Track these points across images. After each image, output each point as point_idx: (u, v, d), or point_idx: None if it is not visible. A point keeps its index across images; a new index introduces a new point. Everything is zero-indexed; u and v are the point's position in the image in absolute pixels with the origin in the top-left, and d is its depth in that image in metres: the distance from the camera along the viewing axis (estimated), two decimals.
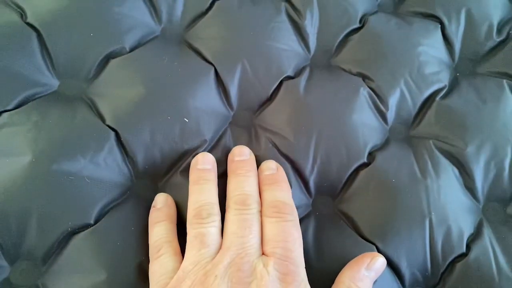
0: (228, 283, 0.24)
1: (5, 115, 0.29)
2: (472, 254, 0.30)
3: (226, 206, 0.28)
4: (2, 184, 0.27)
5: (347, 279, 0.27)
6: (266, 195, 0.29)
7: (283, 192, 0.29)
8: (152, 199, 0.30)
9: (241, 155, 0.31)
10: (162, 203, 0.29)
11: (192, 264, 0.25)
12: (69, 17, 0.33)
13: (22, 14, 0.33)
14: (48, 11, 0.33)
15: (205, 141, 0.31)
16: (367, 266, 0.27)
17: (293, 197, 0.30)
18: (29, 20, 0.33)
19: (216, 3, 0.36)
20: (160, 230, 0.28)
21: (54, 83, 0.32)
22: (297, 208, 0.30)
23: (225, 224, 0.27)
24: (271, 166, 0.31)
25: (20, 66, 0.31)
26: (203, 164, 0.30)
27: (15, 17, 0.33)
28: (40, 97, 0.31)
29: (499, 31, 0.38)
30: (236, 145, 0.32)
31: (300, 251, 0.27)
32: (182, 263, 0.26)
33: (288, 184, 0.30)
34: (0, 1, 0.33)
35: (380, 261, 0.28)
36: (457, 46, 0.37)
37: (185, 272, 0.25)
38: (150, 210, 0.29)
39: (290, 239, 0.27)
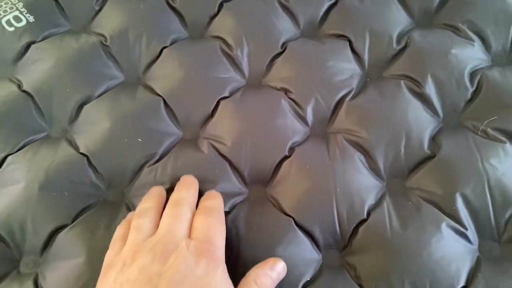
0: (152, 254, 0.29)
1: (10, 157, 0.41)
2: (371, 219, 0.37)
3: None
4: (7, 204, 0.39)
5: (253, 275, 0.32)
6: (200, 205, 0.36)
7: (214, 200, 0.36)
8: (118, 203, 0.40)
9: (185, 179, 0.38)
10: (131, 217, 0.36)
11: (128, 245, 0.32)
12: (51, 81, 0.45)
13: (19, 84, 0.45)
14: (37, 80, 0.45)
15: (156, 154, 0.41)
16: (270, 267, 0.33)
17: (232, 188, 0.39)
18: (24, 88, 0.45)
19: (164, 50, 0.47)
20: (120, 231, 0.36)
21: (46, 129, 0.44)
22: (236, 195, 0.39)
23: (161, 217, 0.34)
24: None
25: (23, 122, 0.43)
26: (156, 189, 0.38)
27: (13, 87, 0.45)
28: (35, 141, 0.43)
29: (398, 41, 0.46)
30: (184, 155, 0.41)
31: (220, 239, 0.32)
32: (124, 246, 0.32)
33: (221, 199, 0.37)
34: (4, 77, 0.46)
35: (281, 264, 0.34)
36: (365, 57, 0.46)
37: (122, 252, 0.31)
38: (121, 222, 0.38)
39: (212, 228, 0.32)
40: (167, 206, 0.35)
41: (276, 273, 0.33)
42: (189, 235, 0.32)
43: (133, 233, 0.33)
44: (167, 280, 0.27)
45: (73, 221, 0.38)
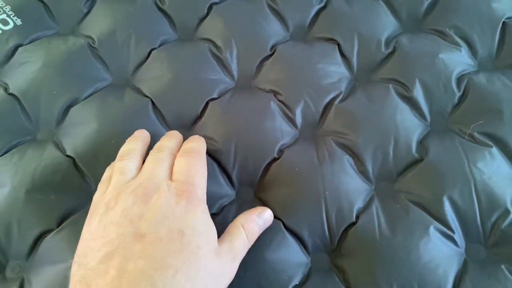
0: (133, 197, 0.29)
1: None
2: (360, 222, 0.37)
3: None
4: None
5: (241, 220, 0.34)
6: (181, 147, 0.36)
7: (195, 142, 0.37)
8: None
9: (171, 132, 0.39)
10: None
11: (111, 187, 0.32)
12: (38, 83, 0.44)
13: (6, 87, 0.44)
14: (24, 83, 0.44)
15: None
16: (258, 214, 0.35)
17: (220, 189, 0.39)
18: (11, 91, 0.44)
19: (153, 52, 0.46)
20: (107, 173, 0.36)
21: (33, 132, 0.43)
22: (224, 197, 0.39)
23: (143, 165, 0.34)
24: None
25: (9, 125, 0.43)
26: (137, 133, 0.39)
27: (0, 90, 0.44)
28: (22, 144, 0.42)
29: (387, 45, 0.46)
30: None
31: (201, 180, 0.33)
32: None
33: (204, 142, 0.38)
34: None
35: (268, 213, 0.36)
36: (354, 61, 0.46)
37: (107, 193, 0.32)
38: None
39: (193, 169, 0.33)
40: (150, 152, 0.36)
41: (263, 220, 0.35)
42: (171, 178, 0.32)
43: (116, 175, 0.33)
44: (148, 221, 0.28)
45: (59, 225, 0.38)
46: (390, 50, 0.46)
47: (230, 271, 0.31)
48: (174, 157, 0.35)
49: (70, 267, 0.34)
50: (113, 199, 0.30)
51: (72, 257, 0.35)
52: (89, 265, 0.27)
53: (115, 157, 0.39)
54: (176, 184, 0.31)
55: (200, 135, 0.41)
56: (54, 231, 0.37)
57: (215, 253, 0.30)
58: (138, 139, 0.37)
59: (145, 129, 0.41)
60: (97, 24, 0.48)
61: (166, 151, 0.35)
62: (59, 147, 0.41)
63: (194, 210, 0.30)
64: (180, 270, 0.27)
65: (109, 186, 0.33)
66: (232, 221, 0.37)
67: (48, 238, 0.37)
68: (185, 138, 0.40)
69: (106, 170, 0.37)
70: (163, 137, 0.38)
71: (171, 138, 0.37)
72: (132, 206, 0.29)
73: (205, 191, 0.33)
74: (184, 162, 0.34)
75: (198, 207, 0.30)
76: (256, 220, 0.34)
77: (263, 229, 0.35)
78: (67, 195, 0.39)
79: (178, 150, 0.36)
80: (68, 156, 0.41)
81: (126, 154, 0.35)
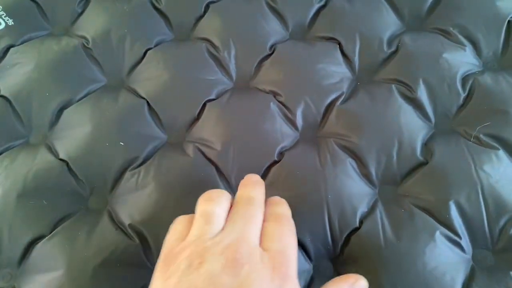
0: (223, 260, 0.25)
1: None
2: (364, 228, 0.36)
3: (233, 205, 0.31)
4: None
5: None
6: (268, 210, 0.31)
7: (282, 207, 0.32)
8: (100, 211, 0.38)
9: (251, 177, 0.34)
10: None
11: (194, 236, 0.27)
12: (31, 85, 0.43)
13: None
14: (15, 84, 0.43)
15: (139, 157, 0.39)
16: (351, 285, 0.29)
17: None
18: (2, 93, 0.43)
19: (149, 52, 0.45)
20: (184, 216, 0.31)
21: (24, 135, 0.42)
22: None
23: (230, 214, 0.30)
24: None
25: (0, 128, 0.41)
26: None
27: None
28: (13, 147, 0.41)
29: (389, 44, 0.45)
30: (169, 158, 0.40)
31: (294, 253, 0.28)
32: (188, 236, 0.28)
33: (289, 208, 0.33)
34: None
35: (363, 284, 0.30)
36: (356, 60, 0.45)
37: (188, 243, 0.27)
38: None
39: (287, 239, 0.29)
40: (237, 201, 0.31)
41: None
42: (261, 243, 0.28)
43: (201, 223, 0.28)
44: None
45: (51, 231, 0.36)
46: (392, 49, 0.45)
47: None
48: (263, 214, 0.30)
49: (63, 275, 0.33)
50: (197, 256, 0.26)
51: (65, 264, 0.34)
52: None
53: (110, 161, 0.38)
54: (271, 255, 0.27)
55: (197, 137, 0.40)
56: (46, 238, 0.36)
57: None
58: (222, 193, 0.32)
59: (141, 132, 0.40)
60: (91, 24, 0.47)
61: (256, 205, 0.30)
62: (52, 150, 0.40)
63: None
64: None
65: (188, 228, 0.29)
66: None
67: (40, 244, 0.36)
68: (182, 140, 0.39)
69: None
70: (245, 183, 0.33)
71: (256, 187, 0.32)
72: (221, 273, 0.24)
73: (297, 266, 0.28)
74: (276, 229, 0.29)
75: (293, 283, 0.26)
76: None
77: None
78: (60, 200, 0.38)
79: (264, 202, 0.32)
80: (61, 159, 0.39)
81: (214, 197, 0.30)
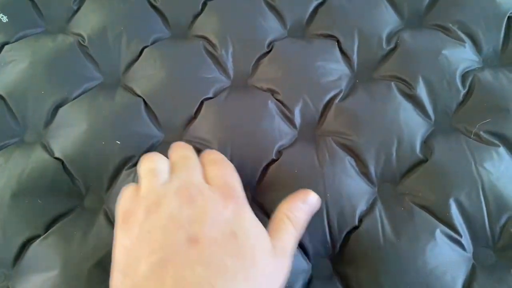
0: (177, 200, 0.27)
1: None
2: (363, 226, 0.35)
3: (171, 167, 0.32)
4: None
5: (283, 211, 0.31)
6: (204, 159, 0.34)
7: (218, 154, 0.35)
8: (96, 210, 0.38)
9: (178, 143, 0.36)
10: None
11: (145, 191, 0.29)
12: (26, 83, 0.43)
13: None
14: (10, 82, 0.43)
15: (135, 156, 0.39)
16: (302, 200, 0.32)
17: None
18: None
19: (145, 50, 0.45)
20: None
21: (19, 134, 0.41)
22: None
23: (171, 170, 0.32)
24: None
25: None
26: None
27: None
28: (8, 146, 0.40)
29: (388, 41, 0.45)
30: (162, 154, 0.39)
31: (239, 185, 0.31)
32: (139, 194, 0.30)
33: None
34: None
35: (314, 197, 0.33)
36: (355, 58, 0.44)
37: (141, 198, 0.29)
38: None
39: (228, 174, 0.32)
40: (173, 162, 0.33)
41: (308, 206, 0.32)
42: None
43: (148, 178, 0.31)
44: (199, 225, 0.26)
45: (46, 231, 0.36)
46: (391, 46, 0.44)
47: (285, 269, 0.29)
48: (195, 155, 0.33)
49: (58, 275, 0.33)
50: (153, 204, 0.28)
51: (60, 264, 0.33)
52: (137, 275, 0.25)
53: (106, 160, 0.37)
54: (218, 187, 0.30)
55: (194, 136, 0.40)
56: (41, 237, 0.36)
57: (270, 253, 0.28)
58: (157, 154, 0.34)
59: (137, 130, 0.40)
60: (87, 22, 0.46)
61: (192, 158, 0.33)
62: (47, 149, 0.39)
63: (243, 213, 0.29)
64: (239, 273, 0.25)
65: (139, 191, 0.30)
66: None
67: (35, 244, 0.35)
68: (179, 138, 0.39)
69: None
70: (175, 148, 0.35)
71: (186, 148, 0.35)
72: (179, 209, 0.27)
73: (245, 194, 0.31)
74: (218, 170, 0.32)
75: (245, 209, 0.29)
76: (302, 207, 0.32)
77: (311, 215, 0.32)
78: (55, 199, 0.38)
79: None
80: (56, 158, 0.39)
81: (151, 159, 0.33)
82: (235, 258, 0.26)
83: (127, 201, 0.30)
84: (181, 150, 0.34)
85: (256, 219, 0.30)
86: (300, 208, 0.32)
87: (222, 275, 0.25)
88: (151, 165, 0.32)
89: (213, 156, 0.34)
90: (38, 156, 0.39)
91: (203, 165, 0.33)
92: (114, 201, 0.36)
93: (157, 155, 0.33)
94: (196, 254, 0.25)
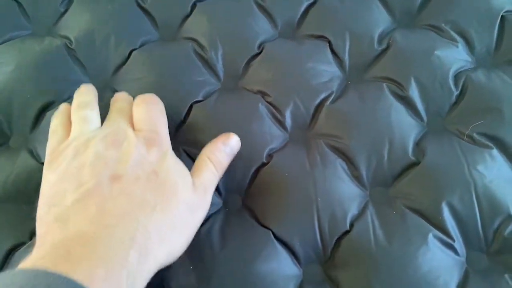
0: (104, 143, 0.31)
1: None
2: (354, 231, 0.35)
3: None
4: None
5: (206, 152, 0.34)
6: (136, 99, 0.36)
7: (150, 94, 0.37)
8: None
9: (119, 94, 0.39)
10: (64, 108, 0.37)
11: (77, 134, 0.32)
12: (11, 86, 0.42)
13: None
14: None
15: None
16: (223, 142, 0.35)
17: None
18: None
19: (133, 53, 0.44)
20: (58, 119, 0.36)
21: (5, 139, 0.41)
22: (210, 206, 0.36)
23: (106, 119, 0.35)
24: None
25: None
26: (84, 86, 0.38)
27: None
28: None
29: (380, 42, 0.44)
30: None
31: (164, 127, 0.34)
32: (69, 137, 0.33)
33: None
34: None
35: (234, 138, 0.35)
36: (346, 59, 0.44)
37: (71, 140, 0.32)
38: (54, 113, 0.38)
39: (154, 117, 0.34)
40: (110, 111, 0.36)
41: (229, 148, 0.35)
42: (134, 128, 0.33)
43: (79, 124, 0.33)
44: (123, 164, 0.29)
45: (31, 238, 0.35)
46: (383, 47, 0.44)
47: (205, 204, 0.32)
48: (131, 106, 0.35)
49: None
50: (82, 145, 0.31)
51: None
52: (63, 204, 0.27)
53: None
54: (143, 134, 0.32)
55: (184, 140, 0.39)
56: (26, 244, 0.35)
57: (190, 188, 0.31)
58: (89, 92, 0.37)
59: None
60: (75, 24, 0.46)
61: (123, 102, 0.36)
62: (33, 154, 0.39)
63: (165, 155, 0.31)
64: (159, 205, 0.28)
65: (67, 133, 0.33)
66: (218, 231, 0.35)
67: (20, 251, 0.35)
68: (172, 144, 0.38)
69: (53, 119, 0.36)
70: (115, 99, 0.38)
71: (125, 100, 0.38)
72: (105, 150, 0.30)
73: (169, 137, 0.34)
74: (144, 111, 0.34)
75: (167, 152, 0.32)
76: (222, 149, 0.34)
77: (233, 156, 0.36)
78: None
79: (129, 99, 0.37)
80: (42, 163, 0.38)
81: (83, 104, 0.35)
82: (155, 192, 0.29)
83: (55, 142, 0.33)
84: (120, 102, 0.37)
85: (179, 161, 0.33)
86: (221, 150, 0.34)
87: (143, 206, 0.28)
88: (83, 112, 0.34)
89: (144, 96, 0.36)
90: (24, 161, 0.38)
91: (133, 105, 0.35)
92: None
93: (89, 94, 0.37)
94: (119, 188, 0.28)
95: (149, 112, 0.34)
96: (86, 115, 0.34)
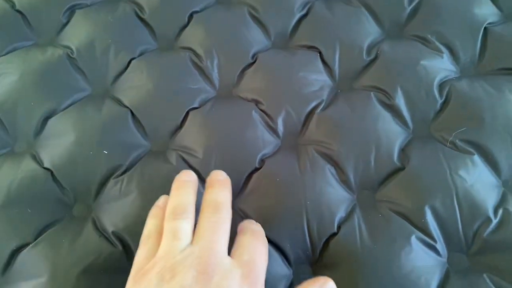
0: (193, 272, 0.26)
1: None
2: (341, 233, 0.37)
3: (200, 212, 0.31)
4: None
5: None
6: (245, 224, 0.33)
7: (258, 225, 0.34)
8: (84, 219, 0.39)
9: (218, 175, 0.35)
10: (163, 202, 0.34)
11: (163, 252, 0.28)
12: (16, 95, 0.44)
13: None
14: (1, 94, 0.44)
15: (122, 165, 0.40)
16: (321, 287, 0.30)
17: (200, 199, 0.38)
18: None
19: (133, 62, 0.46)
20: (154, 222, 0.32)
21: (10, 145, 0.43)
22: None
23: (197, 224, 0.30)
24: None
25: None
26: (184, 177, 0.34)
27: None
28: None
29: (368, 52, 0.46)
30: (152, 166, 0.40)
31: (264, 264, 0.30)
32: (157, 252, 0.29)
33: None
34: None
35: (331, 285, 0.30)
36: (336, 68, 0.46)
37: (158, 258, 0.28)
38: (152, 207, 0.34)
39: (258, 251, 0.30)
40: (204, 208, 0.31)
41: None
42: (233, 252, 0.30)
43: (169, 239, 0.29)
44: None
45: (35, 239, 0.37)
46: (372, 57, 0.46)
47: None
48: (230, 219, 0.31)
49: (47, 282, 0.34)
50: (168, 271, 0.27)
51: (49, 271, 0.34)
52: None
53: (94, 169, 0.39)
54: (239, 264, 0.28)
55: (180, 145, 0.41)
56: (31, 245, 0.37)
57: None
58: (189, 188, 0.33)
59: (124, 140, 0.41)
60: (76, 35, 0.48)
61: (223, 212, 0.31)
62: (37, 159, 0.41)
63: None
64: None
65: (158, 242, 0.30)
66: None
67: (24, 252, 0.36)
68: (165, 148, 0.40)
69: (148, 219, 0.33)
70: (212, 182, 0.34)
71: (223, 188, 0.33)
72: (192, 285, 0.26)
73: (264, 277, 0.29)
74: (247, 240, 0.31)
75: None
76: None
77: None
78: (45, 208, 0.39)
79: (231, 205, 0.33)
80: (45, 168, 0.40)
81: (179, 211, 0.31)
82: None
83: (142, 258, 0.30)
84: (217, 191, 0.33)
85: None
86: None
87: None
88: (176, 224, 0.30)
89: (255, 226, 0.33)
90: (28, 166, 0.40)
91: (241, 229, 0.32)
92: (102, 209, 0.38)
93: (186, 200, 0.32)
94: None
95: (255, 243, 0.31)
96: (178, 228, 0.30)
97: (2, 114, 0.43)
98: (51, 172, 0.40)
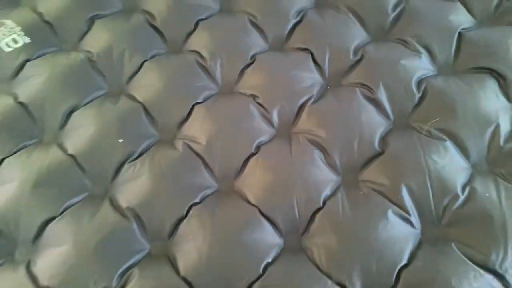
0: None
1: (6, 160, 0.46)
2: (326, 207, 0.42)
3: None
4: (3, 200, 0.44)
5: None
6: None
7: None
8: (102, 198, 0.45)
9: None
10: None
11: None
12: (44, 93, 0.51)
13: (16, 97, 0.51)
14: (31, 92, 0.51)
15: (136, 152, 0.46)
16: None
17: (203, 181, 0.44)
18: (20, 100, 0.51)
19: (145, 63, 0.52)
20: None
21: (38, 135, 0.49)
22: (206, 189, 0.44)
23: None
24: None
25: (18, 129, 0.49)
26: None
27: (10, 100, 0.50)
28: (29, 145, 0.48)
29: (355, 53, 0.52)
30: (161, 152, 0.46)
31: None
32: None
33: None
34: (2, 91, 0.51)
35: None
36: (326, 68, 0.51)
37: None
38: None
39: None
40: None
41: None
42: None
43: None
44: None
45: (61, 214, 0.43)
46: (358, 57, 0.51)
47: None
48: None
49: (70, 249, 0.40)
50: None
51: (72, 240, 0.40)
52: None
53: (111, 156, 0.45)
54: None
55: (186, 135, 0.47)
56: (57, 219, 0.42)
57: None
58: None
59: (137, 130, 0.47)
60: (96, 41, 0.54)
61: None
62: (62, 147, 0.47)
63: None
64: None
65: None
66: (212, 208, 0.42)
67: (52, 224, 0.42)
68: (173, 137, 0.46)
69: None
70: None
71: None
72: None
73: None
74: None
75: None
76: None
77: None
78: (68, 189, 0.45)
79: None
80: (69, 155, 0.46)
81: None
82: None
83: None
84: None
85: None
86: None
87: None
88: None
89: None
90: (54, 153, 0.46)
91: None
92: (118, 189, 0.43)
93: None
94: None
95: None
96: None
97: (33, 110, 0.49)
98: (75, 158, 0.46)
